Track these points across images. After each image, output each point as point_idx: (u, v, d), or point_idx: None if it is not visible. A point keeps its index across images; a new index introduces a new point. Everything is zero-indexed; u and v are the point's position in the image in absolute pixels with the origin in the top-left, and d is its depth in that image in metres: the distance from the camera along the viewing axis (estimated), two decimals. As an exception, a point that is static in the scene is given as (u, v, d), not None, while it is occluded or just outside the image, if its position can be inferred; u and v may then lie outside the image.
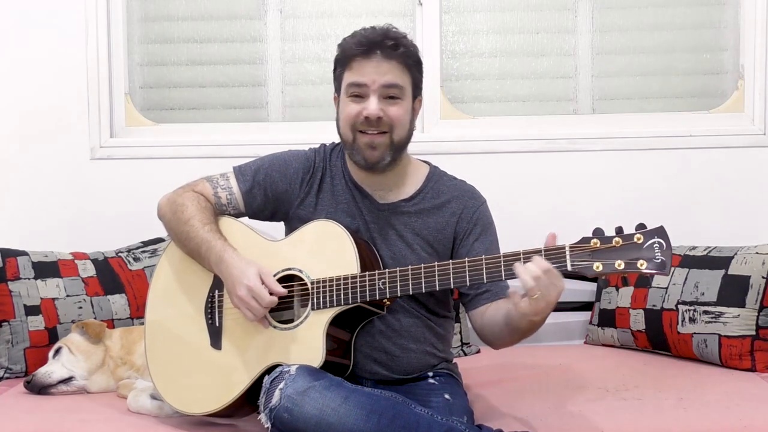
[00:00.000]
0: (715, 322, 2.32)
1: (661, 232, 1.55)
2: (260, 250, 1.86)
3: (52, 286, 2.42)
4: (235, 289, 1.76)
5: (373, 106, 1.81)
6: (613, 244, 1.56)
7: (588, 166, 2.82)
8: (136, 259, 2.60)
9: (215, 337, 1.87)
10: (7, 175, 2.85)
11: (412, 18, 2.89)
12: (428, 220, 1.92)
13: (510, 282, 1.74)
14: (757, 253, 2.33)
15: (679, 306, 2.39)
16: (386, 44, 1.82)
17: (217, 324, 1.87)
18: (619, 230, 1.58)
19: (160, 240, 2.64)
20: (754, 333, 2.28)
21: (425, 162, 2.01)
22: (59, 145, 2.84)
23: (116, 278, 2.53)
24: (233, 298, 1.79)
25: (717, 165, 2.79)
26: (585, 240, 1.59)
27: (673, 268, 2.45)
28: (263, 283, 1.75)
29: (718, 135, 2.79)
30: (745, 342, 2.28)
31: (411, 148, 1.96)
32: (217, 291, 1.88)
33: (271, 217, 2.00)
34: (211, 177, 1.99)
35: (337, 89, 1.92)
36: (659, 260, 1.53)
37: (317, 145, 2.02)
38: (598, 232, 1.59)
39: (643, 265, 1.53)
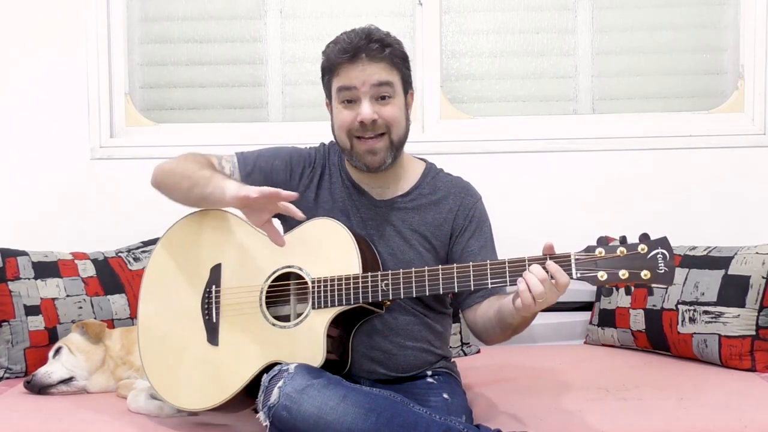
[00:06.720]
0: (715, 322, 2.31)
1: (664, 242, 1.57)
2: (260, 247, 1.85)
3: (52, 286, 2.42)
4: (242, 188, 1.70)
5: (366, 109, 1.79)
6: (618, 253, 1.58)
7: (588, 166, 2.81)
8: (136, 259, 2.60)
9: (212, 333, 1.86)
10: (7, 175, 2.85)
11: (412, 18, 2.89)
12: (425, 216, 1.92)
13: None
14: (757, 253, 2.33)
15: (679, 306, 2.39)
16: (371, 48, 1.79)
17: (215, 320, 1.86)
18: (623, 240, 1.60)
19: (159, 240, 2.64)
20: (754, 333, 2.28)
21: (422, 159, 2.01)
22: (59, 145, 2.84)
23: (116, 278, 2.53)
24: (248, 194, 1.69)
25: (717, 165, 2.78)
26: (589, 249, 1.61)
27: (673, 268, 2.45)
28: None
29: (718, 135, 2.79)
30: (745, 342, 2.28)
31: (411, 148, 1.96)
32: (214, 287, 1.88)
33: None
34: (215, 154, 1.98)
35: (328, 96, 1.89)
36: (662, 270, 1.55)
37: (317, 144, 2.03)
38: (601, 242, 1.60)
39: (647, 276, 1.56)
